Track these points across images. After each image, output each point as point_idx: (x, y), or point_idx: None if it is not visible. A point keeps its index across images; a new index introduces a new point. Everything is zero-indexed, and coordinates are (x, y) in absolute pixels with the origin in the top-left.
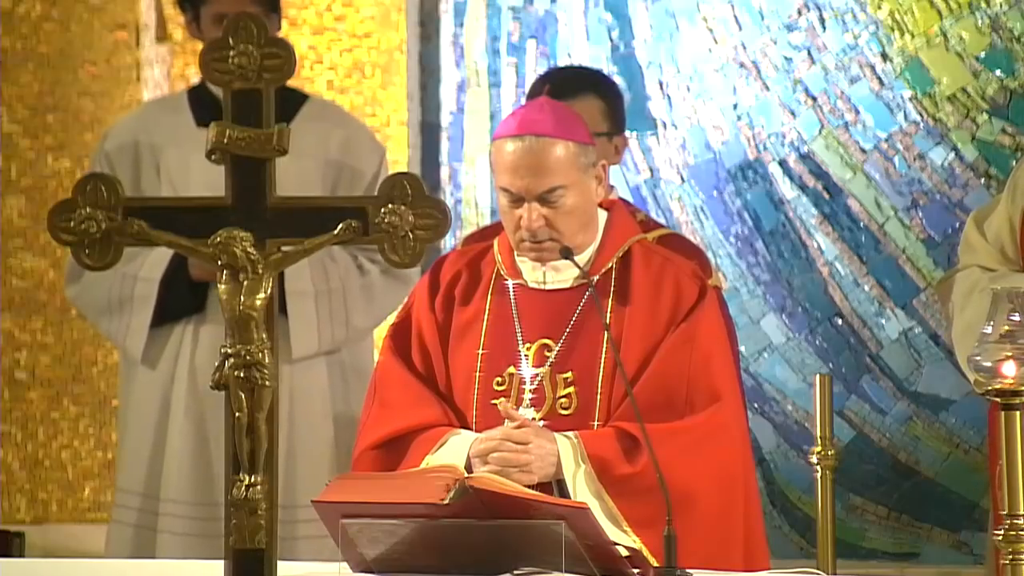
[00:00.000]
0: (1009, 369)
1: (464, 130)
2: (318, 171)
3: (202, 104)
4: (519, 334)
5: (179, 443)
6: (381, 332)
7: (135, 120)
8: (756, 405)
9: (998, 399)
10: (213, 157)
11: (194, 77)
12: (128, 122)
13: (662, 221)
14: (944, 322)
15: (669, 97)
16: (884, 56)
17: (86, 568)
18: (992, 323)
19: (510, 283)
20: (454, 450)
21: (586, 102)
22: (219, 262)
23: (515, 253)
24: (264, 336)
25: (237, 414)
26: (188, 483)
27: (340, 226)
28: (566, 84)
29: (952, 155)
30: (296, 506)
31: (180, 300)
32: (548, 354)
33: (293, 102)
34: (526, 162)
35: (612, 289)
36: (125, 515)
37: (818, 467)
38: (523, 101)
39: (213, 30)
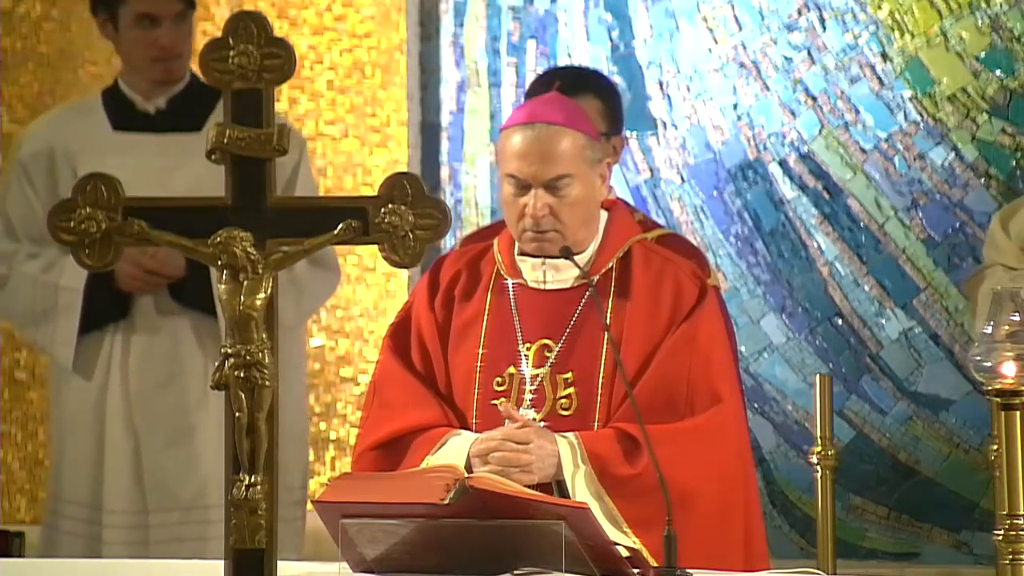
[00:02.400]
0: (1009, 369)
1: (464, 130)
2: None
3: (118, 108)
4: (519, 334)
5: (117, 453)
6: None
7: (49, 126)
8: (756, 405)
9: (998, 399)
10: (213, 157)
11: None
12: (42, 128)
13: (662, 221)
14: (944, 322)
15: (669, 97)
16: (884, 56)
17: (86, 568)
18: (992, 323)
19: (510, 283)
20: (454, 450)
21: (585, 102)
22: (219, 262)
23: (515, 251)
24: (264, 336)
25: (237, 414)
26: (128, 493)
27: (340, 226)
28: (565, 84)
29: (952, 155)
30: (209, 506)
31: (104, 308)
32: (548, 354)
33: (210, 95)
34: (535, 149)
35: (612, 289)
36: (69, 525)
37: (818, 467)
38: (523, 101)
39: (133, 30)
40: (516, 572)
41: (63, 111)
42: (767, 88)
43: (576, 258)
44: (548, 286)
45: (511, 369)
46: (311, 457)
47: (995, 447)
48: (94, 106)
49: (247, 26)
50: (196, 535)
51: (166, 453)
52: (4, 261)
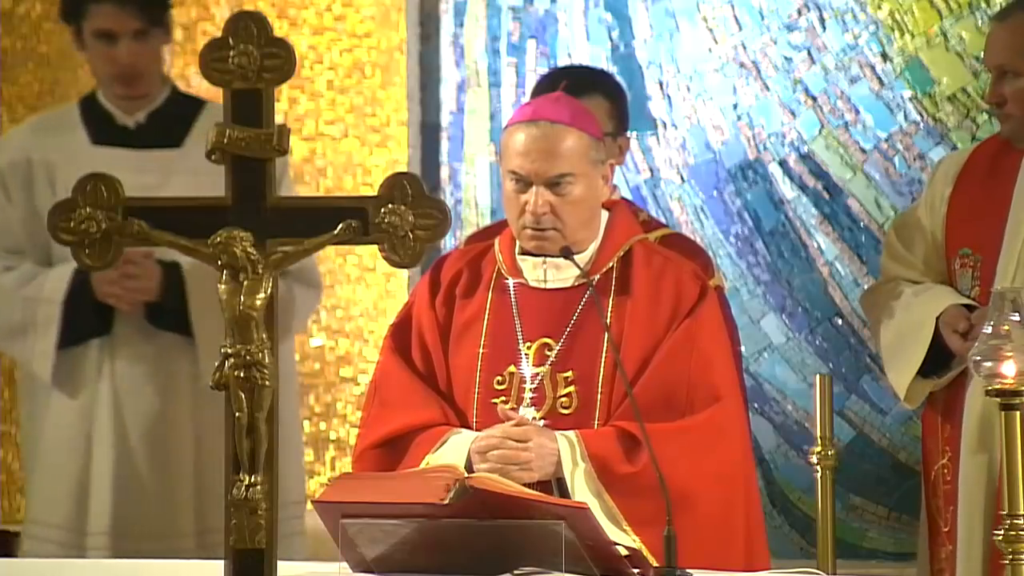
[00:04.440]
0: (1009, 369)
1: (464, 130)
2: (220, 186)
3: (97, 121)
4: (519, 333)
5: (105, 474)
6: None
7: (27, 136)
8: (756, 405)
9: (998, 399)
10: (213, 157)
11: (194, 77)
12: (20, 138)
13: (663, 221)
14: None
15: (669, 97)
16: (884, 56)
17: (86, 568)
18: (992, 323)
19: (511, 282)
20: (454, 449)
21: (592, 102)
22: (219, 262)
23: (516, 250)
24: (264, 336)
25: (237, 414)
26: (114, 514)
27: (340, 226)
28: (573, 83)
29: None
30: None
31: (85, 321)
32: (548, 353)
33: (191, 109)
34: (539, 146)
35: (612, 289)
36: (45, 548)
37: (818, 467)
38: (523, 101)
39: (94, 45)
40: (516, 572)
41: (42, 121)
42: (767, 88)
43: (576, 258)
44: (549, 285)
45: (511, 368)
46: (311, 457)
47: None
48: (73, 118)
49: (247, 26)
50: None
51: (152, 477)
52: None
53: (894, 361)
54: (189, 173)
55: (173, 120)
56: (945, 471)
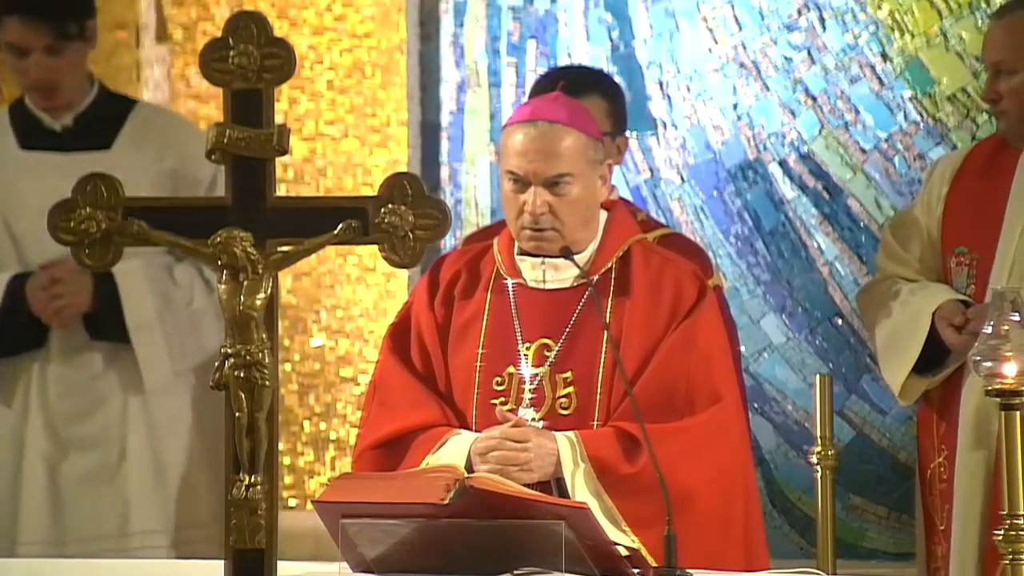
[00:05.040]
0: (1009, 369)
1: (464, 130)
2: (151, 188)
3: (25, 125)
4: (518, 334)
5: (35, 483)
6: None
7: None
8: (756, 405)
9: (998, 399)
10: (213, 157)
11: (194, 77)
12: None
13: (662, 221)
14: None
15: (669, 97)
16: (884, 56)
17: (86, 568)
18: (992, 323)
19: (509, 282)
20: (454, 451)
21: (591, 102)
22: (219, 262)
23: (515, 251)
24: (264, 336)
25: (237, 414)
26: (45, 525)
27: (340, 226)
28: (571, 83)
29: None
30: (129, 533)
31: (21, 334)
32: (548, 354)
33: (119, 109)
34: (537, 146)
35: (611, 289)
36: None
37: (818, 467)
38: (523, 101)
39: (7, 57)
40: (516, 572)
41: None
42: (767, 88)
43: (576, 257)
44: (547, 286)
45: (510, 369)
46: (311, 457)
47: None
48: (2, 123)
49: (247, 26)
50: None
51: (85, 484)
52: None
53: (889, 358)
54: (121, 172)
55: (101, 122)
56: (941, 469)
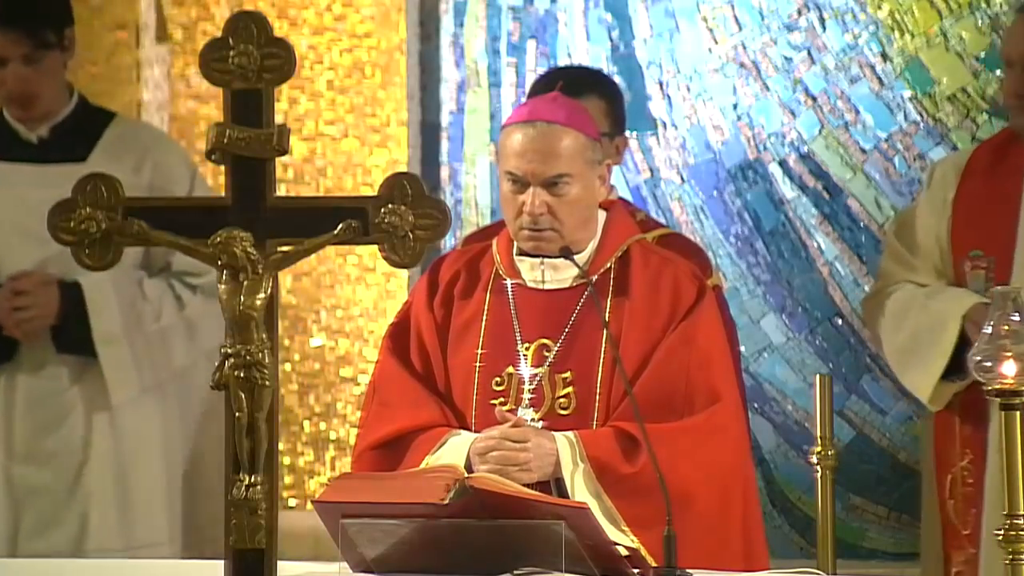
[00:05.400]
0: (1009, 369)
1: (464, 130)
2: None
3: (1, 136)
4: (518, 334)
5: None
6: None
7: None
8: (756, 405)
9: (998, 399)
10: (213, 157)
11: (194, 77)
12: None
13: (662, 221)
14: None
15: (669, 97)
16: (884, 56)
17: (86, 568)
18: (992, 323)
19: (508, 283)
20: (453, 451)
21: (589, 102)
22: (219, 262)
23: (514, 251)
24: (264, 336)
25: (237, 414)
26: (6, 538)
27: (340, 226)
28: (570, 84)
29: None
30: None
31: None
32: (547, 354)
33: (98, 122)
34: (535, 147)
35: (610, 289)
36: None
37: (818, 467)
38: (523, 101)
39: None
40: (516, 572)
41: None
42: (767, 88)
43: (575, 258)
44: (547, 286)
45: (510, 369)
46: (311, 457)
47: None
48: None
49: (247, 26)
50: None
51: (42, 499)
52: None
53: (911, 364)
54: None
55: (78, 134)
56: (966, 473)
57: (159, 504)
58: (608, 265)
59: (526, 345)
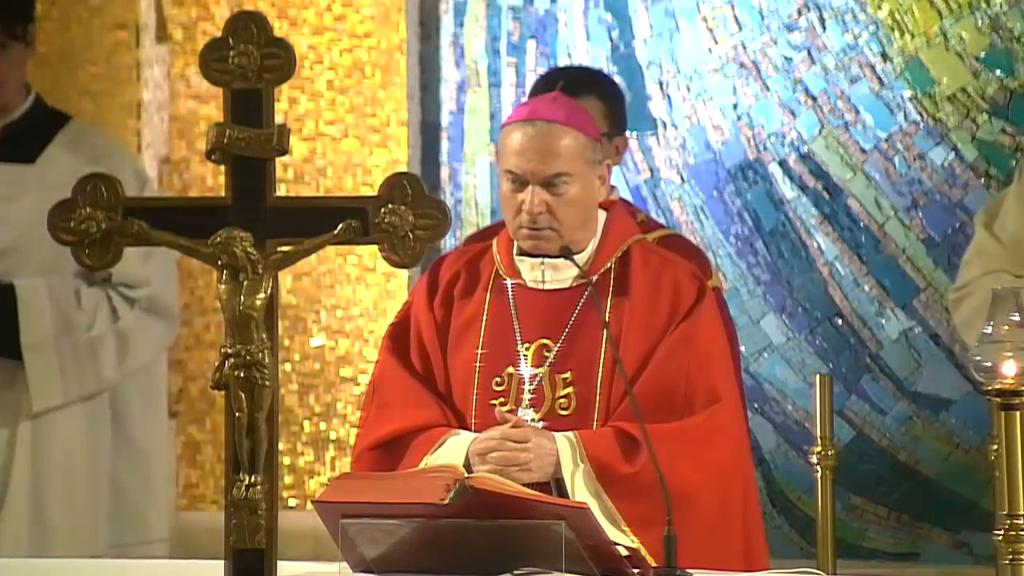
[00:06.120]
0: (1009, 369)
1: (464, 130)
2: None
3: None
4: (518, 334)
5: None
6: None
7: None
8: (756, 405)
9: (998, 399)
10: (213, 157)
11: (194, 77)
12: None
13: (662, 221)
14: (944, 322)
15: (669, 97)
16: (884, 56)
17: (86, 568)
18: (992, 323)
19: (509, 283)
20: (453, 451)
21: (588, 103)
22: (219, 262)
23: (514, 251)
24: (264, 336)
25: (237, 414)
26: None
27: (340, 226)
28: (570, 84)
29: (952, 155)
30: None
31: None
32: (547, 354)
33: (52, 125)
34: (535, 145)
35: (611, 289)
36: None
37: (818, 467)
38: (523, 101)
39: None
40: (516, 572)
41: None
42: (767, 88)
43: (575, 258)
44: (547, 286)
45: (510, 369)
46: (311, 457)
47: (995, 447)
48: None
49: (247, 26)
50: None
51: None
52: None
53: None
54: (43, 188)
55: (30, 135)
56: None
57: (79, 518)
58: (608, 265)
59: (526, 345)
